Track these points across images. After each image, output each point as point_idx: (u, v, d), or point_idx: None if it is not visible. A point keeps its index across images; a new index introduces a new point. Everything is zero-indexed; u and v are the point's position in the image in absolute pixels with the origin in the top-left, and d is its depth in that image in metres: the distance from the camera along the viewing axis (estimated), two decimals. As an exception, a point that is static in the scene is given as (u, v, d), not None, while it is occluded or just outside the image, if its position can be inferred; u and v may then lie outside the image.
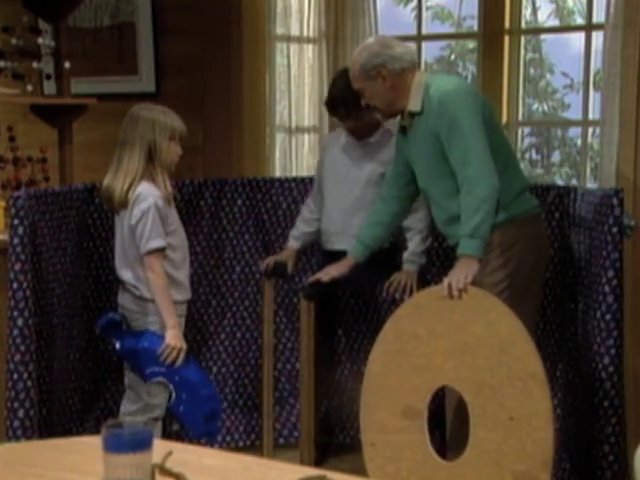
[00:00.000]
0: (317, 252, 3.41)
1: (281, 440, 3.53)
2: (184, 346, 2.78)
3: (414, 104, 2.66)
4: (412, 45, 3.99)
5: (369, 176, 3.13)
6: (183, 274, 2.89)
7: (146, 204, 2.71)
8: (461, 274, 2.41)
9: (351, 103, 2.97)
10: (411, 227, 3.10)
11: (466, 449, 2.31)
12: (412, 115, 2.69)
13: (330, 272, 2.96)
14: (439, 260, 3.28)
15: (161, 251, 2.75)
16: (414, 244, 3.10)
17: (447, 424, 2.72)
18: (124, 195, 2.73)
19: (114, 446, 1.36)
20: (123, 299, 2.87)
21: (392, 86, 2.67)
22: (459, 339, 2.34)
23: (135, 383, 2.85)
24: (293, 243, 3.30)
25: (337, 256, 3.07)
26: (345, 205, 3.15)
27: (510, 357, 2.28)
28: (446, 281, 2.40)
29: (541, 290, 2.80)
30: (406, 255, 3.11)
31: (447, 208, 2.67)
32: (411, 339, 2.39)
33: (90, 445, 1.57)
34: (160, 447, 1.45)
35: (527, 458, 2.23)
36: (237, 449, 3.47)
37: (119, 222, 2.82)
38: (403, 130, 2.80)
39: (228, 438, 3.55)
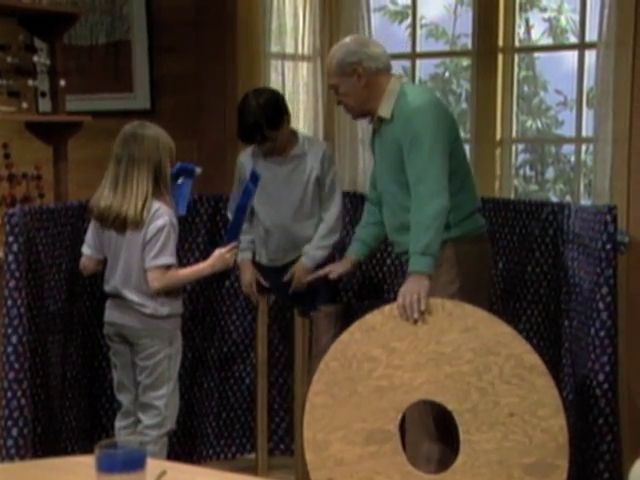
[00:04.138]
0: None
1: (277, 452, 3.57)
2: (225, 261, 2.87)
3: (385, 110, 2.69)
4: (406, 63, 4.02)
5: (304, 187, 3.16)
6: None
7: (162, 221, 2.73)
8: (413, 293, 2.42)
9: (265, 126, 3.02)
10: (323, 219, 3.19)
11: (458, 456, 2.30)
12: (381, 120, 2.72)
13: (337, 270, 2.99)
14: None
15: (165, 269, 2.76)
16: (316, 237, 3.17)
17: (415, 442, 2.68)
18: (139, 215, 2.72)
19: (107, 466, 1.35)
20: (123, 319, 2.83)
21: (366, 85, 2.70)
22: (430, 351, 2.34)
23: (154, 399, 2.83)
24: (246, 256, 3.27)
25: (285, 269, 3.19)
26: (285, 222, 3.19)
27: (499, 357, 2.30)
28: (400, 301, 2.42)
29: (487, 305, 2.80)
30: (306, 248, 3.17)
31: (399, 216, 2.70)
32: (365, 363, 2.38)
33: (84, 465, 1.56)
34: (154, 467, 1.45)
35: (537, 449, 2.25)
36: (218, 461, 3.54)
37: (121, 241, 2.79)
38: (374, 133, 2.84)
39: (211, 451, 3.58)
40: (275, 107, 3.08)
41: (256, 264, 3.29)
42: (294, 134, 3.21)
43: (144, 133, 2.77)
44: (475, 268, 2.70)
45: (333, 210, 3.19)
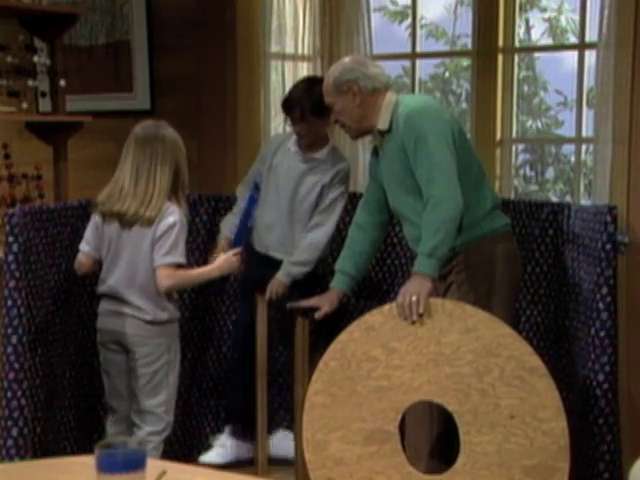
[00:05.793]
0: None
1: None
2: (231, 264, 2.87)
3: (383, 122, 2.69)
4: (406, 63, 4.02)
5: (308, 191, 3.17)
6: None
7: (173, 219, 2.71)
8: (413, 294, 2.40)
9: (307, 106, 3.03)
10: (309, 234, 3.14)
11: (459, 457, 2.30)
12: (382, 134, 2.71)
13: (323, 309, 2.89)
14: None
15: (175, 267, 2.74)
16: (297, 251, 3.14)
17: (415, 442, 2.66)
18: (155, 212, 2.70)
19: (107, 466, 1.36)
20: (122, 327, 2.79)
21: (361, 103, 2.69)
22: (430, 352, 2.34)
23: (154, 406, 2.82)
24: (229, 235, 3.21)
25: (271, 262, 3.15)
26: (282, 217, 3.19)
27: (500, 359, 2.30)
28: (399, 300, 2.41)
29: (514, 307, 2.80)
30: (284, 261, 3.15)
31: (418, 225, 2.63)
32: (365, 363, 2.37)
33: (84, 465, 1.56)
34: (154, 467, 1.45)
35: (538, 451, 2.25)
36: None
37: (125, 239, 2.75)
38: (375, 152, 2.82)
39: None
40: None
41: (247, 249, 3.23)
42: (326, 139, 3.21)
43: (165, 133, 2.75)
44: (503, 269, 2.65)
45: (324, 229, 3.14)
